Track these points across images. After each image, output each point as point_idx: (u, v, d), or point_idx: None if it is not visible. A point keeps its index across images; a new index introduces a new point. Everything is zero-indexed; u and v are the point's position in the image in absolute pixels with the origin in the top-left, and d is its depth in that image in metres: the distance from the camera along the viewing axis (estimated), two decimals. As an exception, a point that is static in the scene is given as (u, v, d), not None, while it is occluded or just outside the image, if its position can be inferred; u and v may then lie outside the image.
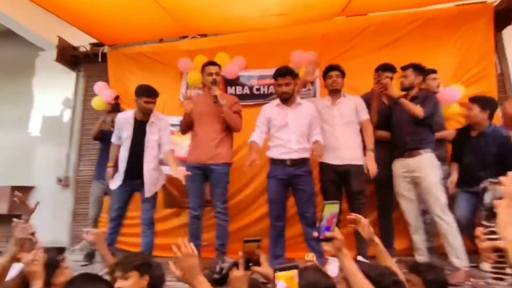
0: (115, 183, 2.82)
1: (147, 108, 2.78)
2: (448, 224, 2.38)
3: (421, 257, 2.55)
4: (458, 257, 2.33)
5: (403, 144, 2.63)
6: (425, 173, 2.50)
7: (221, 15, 3.27)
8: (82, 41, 4.44)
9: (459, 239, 2.37)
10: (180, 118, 3.71)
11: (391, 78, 2.78)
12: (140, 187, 2.80)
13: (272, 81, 3.54)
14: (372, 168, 2.58)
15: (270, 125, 2.72)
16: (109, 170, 2.94)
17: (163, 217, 3.60)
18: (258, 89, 3.64)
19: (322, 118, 2.77)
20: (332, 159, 2.70)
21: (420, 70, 2.72)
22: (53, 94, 4.60)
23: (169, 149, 2.86)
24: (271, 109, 2.76)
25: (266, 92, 3.58)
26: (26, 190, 4.31)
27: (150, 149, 2.79)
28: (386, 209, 2.88)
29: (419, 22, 3.48)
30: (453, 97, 3.12)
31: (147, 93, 2.78)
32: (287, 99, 2.69)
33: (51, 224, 3.93)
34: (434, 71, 3.07)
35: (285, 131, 2.63)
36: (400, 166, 2.65)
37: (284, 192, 2.65)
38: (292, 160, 2.57)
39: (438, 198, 2.44)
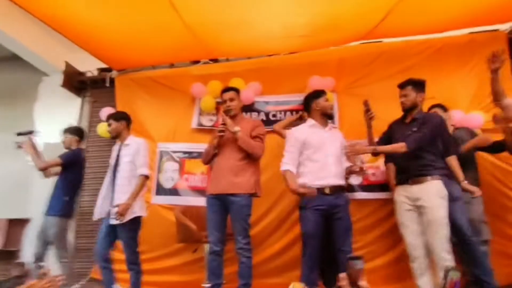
0: (97, 215, 2.74)
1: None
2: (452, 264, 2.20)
3: None
4: None
5: (407, 169, 2.44)
6: (430, 203, 2.29)
7: (245, 34, 3.19)
8: (88, 67, 4.36)
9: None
10: (193, 145, 3.64)
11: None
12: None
13: (289, 107, 3.52)
14: None
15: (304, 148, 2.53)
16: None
17: (176, 251, 3.37)
18: (274, 115, 3.54)
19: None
20: None
21: (421, 86, 2.51)
22: (56, 120, 4.39)
23: (139, 173, 2.73)
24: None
25: (282, 118, 3.47)
26: (22, 223, 4.02)
27: (122, 172, 2.72)
28: None
29: (432, 50, 3.50)
30: (475, 123, 3.08)
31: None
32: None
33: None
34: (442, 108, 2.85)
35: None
36: (403, 193, 2.46)
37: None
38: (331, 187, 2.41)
39: (442, 237, 2.23)
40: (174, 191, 3.55)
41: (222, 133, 2.55)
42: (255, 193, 2.57)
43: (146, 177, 2.78)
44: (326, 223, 2.41)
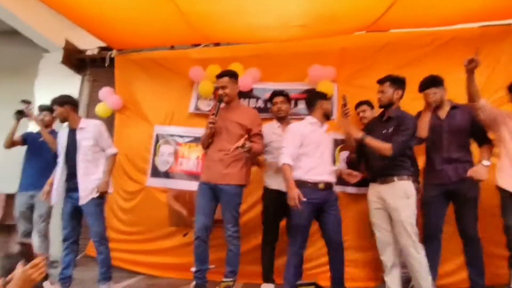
0: (52, 198, 2.74)
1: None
2: (420, 263, 2.21)
3: None
4: None
5: (375, 168, 2.44)
6: (396, 204, 2.28)
7: (240, 23, 3.14)
8: (88, 45, 4.30)
9: (430, 278, 2.23)
10: (189, 129, 3.61)
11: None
12: (77, 200, 2.68)
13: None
14: None
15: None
16: (47, 188, 2.82)
17: (168, 234, 3.41)
18: (272, 103, 3.48)
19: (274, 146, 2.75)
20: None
21: (399, 83, 2.44)
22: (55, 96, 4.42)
23: (111, 153, 2.82)
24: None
25: (280, 106, 3.41)
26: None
27: (83, 155, 2.71)
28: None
29: (440, 42, 3.36)
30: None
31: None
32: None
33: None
34: (436, 84, 2.60)
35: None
36: (372, 192, 2.45)
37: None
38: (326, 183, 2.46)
39: (410, 234, 2.22)
40: (169, 175, 3.56)
41: (212, 125, 2.53)
42: (246, 184, 2.61)
43: (115, 155, 2.87)
44: (316, 216, 2.49)
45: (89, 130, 2.76)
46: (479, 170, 2.36)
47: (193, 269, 2.60)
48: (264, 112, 3.46)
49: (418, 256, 2.20)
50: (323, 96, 2.69)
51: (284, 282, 2.45)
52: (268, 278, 2.76)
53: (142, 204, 3.54)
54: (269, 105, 3.17)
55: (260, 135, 2.61)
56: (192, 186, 3.31)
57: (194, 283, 2.57)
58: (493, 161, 2.49)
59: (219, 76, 2.66)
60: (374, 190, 2.44)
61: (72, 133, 2.78)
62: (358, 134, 2.39)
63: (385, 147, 2.29)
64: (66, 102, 2.80)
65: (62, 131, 2.86)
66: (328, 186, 2.46)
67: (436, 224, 2.51)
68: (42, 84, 4.55)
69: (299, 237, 2.44)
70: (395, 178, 2.32)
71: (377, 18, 2.99)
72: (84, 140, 2.73)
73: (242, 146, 2.39)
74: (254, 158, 2.64)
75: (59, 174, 2.75)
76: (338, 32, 3.36)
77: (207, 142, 2.66)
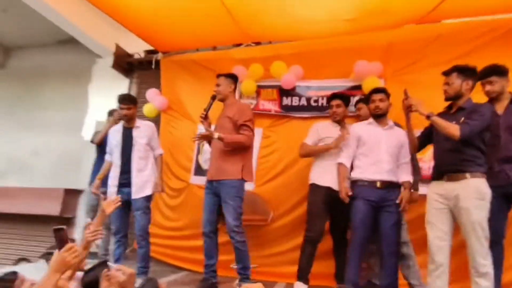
0: (110, 193, 2.84)
1: (122, 114, 2.93)
2: (484, 276, 1.99)
3: None
4: None
5: (442, 163, 2.22)
6: (468, 204, 2.04)
7: (285, 18, 3.11)
8: (136, 49, 4.54)
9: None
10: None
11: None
12: (129, 195, 2.82)
13: (332, 92, 3.37)
14: None
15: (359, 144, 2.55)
16: (97, 182, 2.98)
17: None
18: (316, 101, 3.42)
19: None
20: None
21: (469, 72, 2.21)
22: (106, 99, 4.68)
23: (159, 153, 3.07)
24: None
25: (325, 104, 3.34)
26: (76, 193, 4.40)
27: (138, 152, 2.89)
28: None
29: (499, 32, 3.08)
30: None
31: (120, 100, 2.94)
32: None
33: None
34: (498, 73, 2.37)
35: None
36: (436, 190, 2.22)
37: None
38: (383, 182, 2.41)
39: (480, 238, 2.00)
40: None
41: (201, 119, 2.68)
42: (243, 178, 2.57)
43: (162, 155, 3.13)
44: (375, 215, 2.42)
45: (144, 130, 2.97)
46: None
47: (233, 266, 2.63)
48: (307, 110, 3.43)
49: (486, 263, 2.00)
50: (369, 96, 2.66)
51: (346, 282, 2.40)
52: (303, 277, 2.68)
53: (186, 201, 3.63)
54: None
55: (245, 125, 2.58)
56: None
57: (237, 280, 2.58)
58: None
59: (217, 76, 2.79)
60: (438, 188, 2.21)
61: (128, 131, 2.94)
62: (423, 110, 2.21)
63: (454, 127, 2.08)
64: (136, 102, 3.03)
65: (114, 130, 3.03)
66: (386, 184, 2.40)
67: (498, 228, 2.26)
68: (95, 88, 4.87)
69: (356, 236, 2.41)
70: (468, 175, 2.09)
71: (431, 9, 2.82)
72: (139, 138, 2.91)
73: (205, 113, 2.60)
74: (237, 147, 2.57)
75: (114, 169, 2.90)
76: (387, 25, 3.22)
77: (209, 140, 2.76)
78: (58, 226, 1.38)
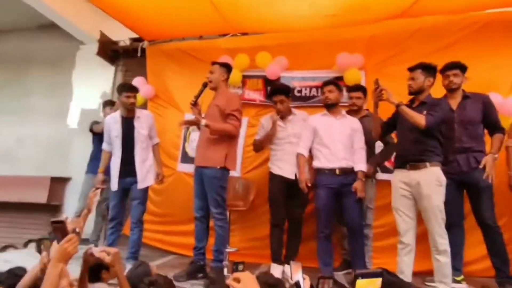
0: (113, 185, 2.88)
1: (128, 103, 2.88)
2: (443, 254, 2.20)
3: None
4: (445, 282, 2.20)
5: (406, 153, 2.37)
6: (427, 191, 2.23)
7: (270, 12, 3.18)
8: (121, 36, 4.49)
9: (450, 266, 2.22)
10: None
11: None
12: (131, 184, 2.89)
13: (315, 83, 3.48)
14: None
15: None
16: (100, 175, 2.97)
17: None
18: (299, 91, 3.52)
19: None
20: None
21: (431, 70, 2.40)
22: (91, 87, 4.67)
23: (156, 142, 3.12)
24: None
25: (308, 94, 3.46)
26: (63, 181, 4.41)
27: (140, 143, 2.91)
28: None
29: (476, 26, 3.24)
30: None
31: (126, 88, 2.91)
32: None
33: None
34: (461, 68, 2.59)
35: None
36: (400, 178, 2.38)
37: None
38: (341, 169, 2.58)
39: (439, 220, 2.21)
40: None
41: (192, 105, 2.65)
42: (226, 166, 2.63)
43: (159, 144, 3.17)
44: (337, 201, 2.62)
45: (145, 120, 2.98)
46: (491, 163, 2.37)
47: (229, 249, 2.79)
48: (292, 100, 3.51)
49: (443, 242, 2.20)
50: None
51: (319, 263, 2.58)
52: (276, 259, 2.82)
53: (173, 188, 3.72)
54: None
55: (232, 115, 2.62)
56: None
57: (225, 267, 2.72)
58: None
59: (212, 64, 2.80)
60: (402, 176, 2.38)
61: (128, 121, 2.91)
62: (395, 101, 2.37)
63: (420, 117, 2.25)
64: (137, 91, 2.99)
65: (112, 120, 2.95)
66: (345, 171, 2.58)
67: (456, 212, 2.50)
68: (79, 76, 4.82)
69: (320, 221, 2.62)
70: (428, 164, 2.27)
71: (410, 5, 2.92)
72: (141, 129, 2.93)
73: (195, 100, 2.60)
74: (223, 135, 2.63)
75: (115, 160, 2.90)
76: (368, 20, 3.33)
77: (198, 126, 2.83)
78: (57, 219, 1.44)
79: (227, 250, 2.81)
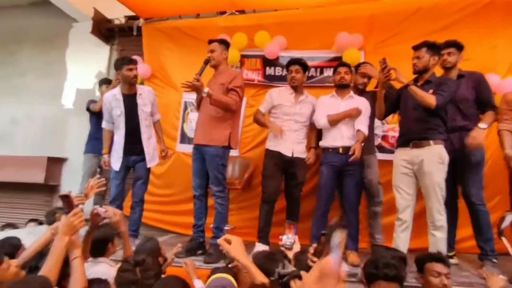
0: (115, 164, 2.83)
1: (131, 76, 2.77)
2: (440, 229, 2.25)
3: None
4: None
5: (409, 131, 2.38)
6: (431, 168, 2.24)
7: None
8: (116, 14, 4.38)
9: (445, 242, 2.28)
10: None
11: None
12: (135, 163, 2.86)
13: (314, 63, 3.46)
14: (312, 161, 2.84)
15: None
16: (106, 157, 2.90)
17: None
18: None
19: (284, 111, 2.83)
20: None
21: (435, 49, 2.39)
22: (86, 66, 4.58)
23: (158, 118, 3.07)
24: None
25: (307, 74, 3.42)
26: (59, 161, 4.40)
27: (144, 120, 2.85)
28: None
29: (477, 7, 3.22)
30: (509, 89, 2.91)
31: (127, 61, 2.79)
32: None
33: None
34: (457, 46, 2.56)
35: None
36: (402, 156, 2.39)
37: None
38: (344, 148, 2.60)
39: (439, 198, 2.24)
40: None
41: (195, 82, 2.52)
42: (229, 145, 2.65)
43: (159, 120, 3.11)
44: (338, 177, 2.67)
45: (147, 96, 2.89)
46: (474, 134, 2.34)
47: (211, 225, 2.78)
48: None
49: (441, 218, 2.25)
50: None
51: (311, 238, 2.63)
52: (262, 237, 2.78)
53: (172, 168, 3.74)
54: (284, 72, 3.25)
55: (234, 90, 2.61)
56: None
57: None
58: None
59: (210, 41, 2.74)
60: (404, 154, 2.39)
61: (130, 98, 2.82)
62: (403, 79, 2.36)
63: (430, 97, 2.23)
64: (137, 63, 2.87)
65: (112, 98, 2.82)
66: (348, 150, 2.56)
67: (450, 190, 2.51)
68: (72, 54, 4.72)
69: (320, 196, 2.69)
70: (431, 142, 2.28)
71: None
72: (144, 106, 2.86)
73: (198, 74, 2.53)
74: (223, 108, 2.61)
75: (118, 139, 2.83)
76: (369, -3, 3.28)
77: (198, 104, 2.82)
78: (64, 193, 1.46)
79: (225, 228, 2.86)
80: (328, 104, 2.74)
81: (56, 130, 4.58)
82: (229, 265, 1.51)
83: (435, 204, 2.25)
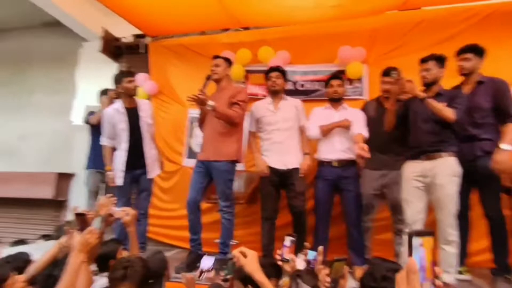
0: (118, 180, 2.84)
1: (132, 88, 2.84)
2: (451, 244, 2.21)
3: None
4: (449, 272, 2.21)
5: (421, 144, 2.33)
6: (443, 180, 2.20)
7: (272, 5, 3.19)
8: (124, 33, 4.50)
9: (456, 257, 2.23)
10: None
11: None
12: (138, 176, 2.92)
13: (317, 77, 3.50)
14: (306, 168, 2.73)
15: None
16: (111, 174, 2.86)
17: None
18: (302, 85, 3.53)
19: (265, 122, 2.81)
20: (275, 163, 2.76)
21: (443, 62, 2.38)
22: (95, 83, 4.63)
23: (153, 130, 3.11)
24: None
25: (310, 88, 3.47)
26: (68, 177, 4.46)
27: (146, 133, 2.92)
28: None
29: (478, 17, 3.23)
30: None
31: (126, 73, 2.89)
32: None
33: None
34: (475, 51, 2.47)
35: None
36: (413, 169, 2.34)
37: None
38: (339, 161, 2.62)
39: (451, 211, 2.19)
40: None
41: (199, 95, 2.56)
42: (237, 160, 2.72)
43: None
44: (335, 191, 2.70)
45: (147, 109, 2.99)
46: (498, 158, 2.19)
47: (216, 240, 2.81)
48: (293, 94, 3.51)
49: (453, 232, 2.21)
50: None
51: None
52: (266, 255, 2.75)
53: (180, 183, 3.76)
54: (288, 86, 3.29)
55: (237, 104, 2.66)
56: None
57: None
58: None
59: (215, 57, 2.82)
60: (415, 167, 2.34)
61: (132, 112, 2.87)
62: (419, 93, 2.30)
63: (449, 111, 2.20)
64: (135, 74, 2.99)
65: (114, 112, 2.84)
66: (342, 163, 2.61)
67: (461, 203, 2.40)
68: (81, 72, 4.84)
69: (318, 211, 2.70)
70: (444, 154, 2.25)
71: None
72: (146, 118, 2.94)
73: (202, 89, 2.55)
74: (226, 121, 2.65)
75: (120, 154, 2.85)
76: (370, 12, 3.33)
77: (202, 119, 2.84)
78: (79, 211, 1.50)
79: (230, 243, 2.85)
80: (322, 115, 2.76)
81: (64, 146, 4.67)
82: (228, 277, 1.51)
83: (447, 218, 2.21)
